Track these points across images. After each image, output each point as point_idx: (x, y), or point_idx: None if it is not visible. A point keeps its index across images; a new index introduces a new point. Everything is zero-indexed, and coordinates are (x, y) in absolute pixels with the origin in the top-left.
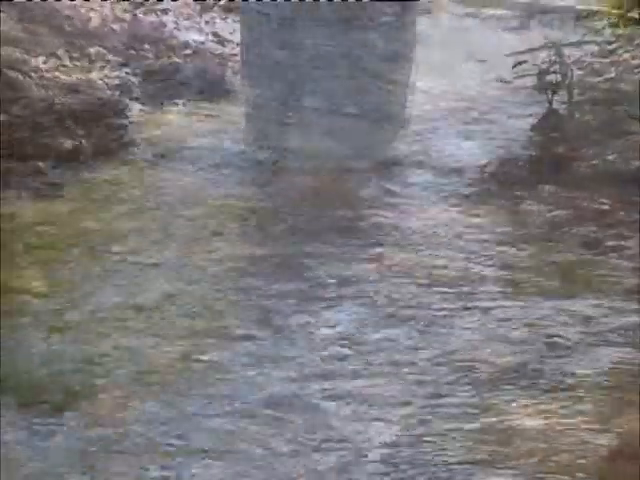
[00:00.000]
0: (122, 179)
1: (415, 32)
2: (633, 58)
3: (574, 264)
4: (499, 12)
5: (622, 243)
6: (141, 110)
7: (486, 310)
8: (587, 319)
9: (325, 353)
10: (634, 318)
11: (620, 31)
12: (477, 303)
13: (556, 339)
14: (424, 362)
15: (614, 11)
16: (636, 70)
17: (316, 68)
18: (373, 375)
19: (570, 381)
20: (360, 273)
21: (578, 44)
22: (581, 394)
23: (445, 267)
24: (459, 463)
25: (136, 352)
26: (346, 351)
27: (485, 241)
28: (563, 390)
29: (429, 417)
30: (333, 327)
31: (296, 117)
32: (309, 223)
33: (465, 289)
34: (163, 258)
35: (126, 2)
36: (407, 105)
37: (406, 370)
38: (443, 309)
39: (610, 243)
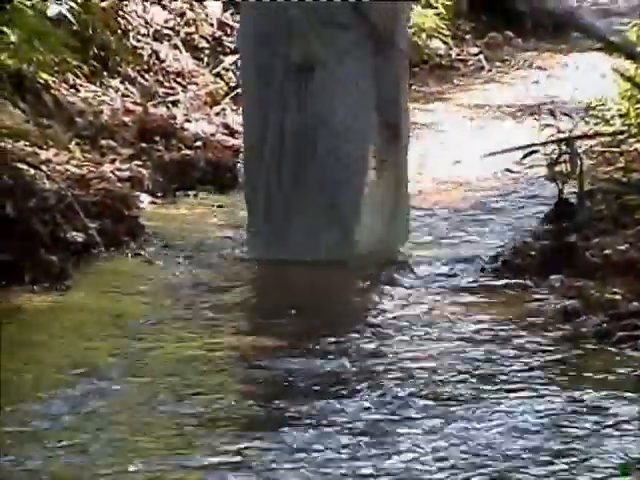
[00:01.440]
0: (132, 271)
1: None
2: None
3: (587, 355)
4: (509, 101)
5: (635, 333)
6: (152, 202)
7: (498, 401)
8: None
9: None
10: None
11: (630, 120)
12: (488, 395)
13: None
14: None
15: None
16: None
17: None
18: None
19: None
20: None
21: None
22: None
23: (458, 355)
24: None
25: None
26: None
27: (497, 330)
28: None
29: None
30: None
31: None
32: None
33: (476, 380)
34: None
35: (137, 95)
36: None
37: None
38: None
39: (622, 334)
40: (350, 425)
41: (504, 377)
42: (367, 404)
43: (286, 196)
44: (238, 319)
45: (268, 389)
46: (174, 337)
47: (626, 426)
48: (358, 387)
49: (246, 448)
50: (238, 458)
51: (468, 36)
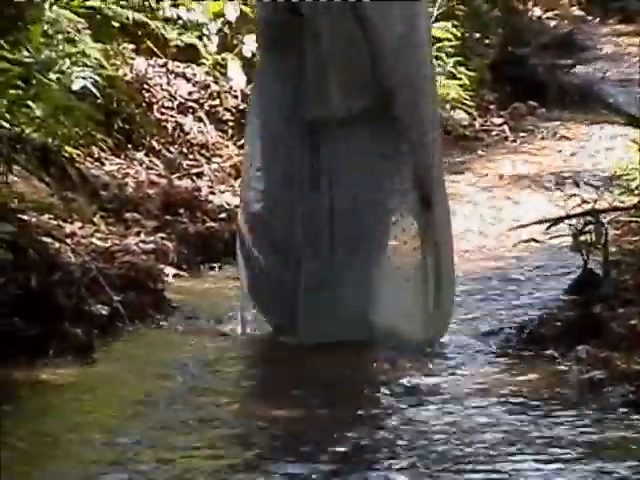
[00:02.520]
0: (157, 344)
1: None
2: None
3: (613, 425)
4: (534, 171)
5: None
6: (176, 274)
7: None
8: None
9: None
10: None
11: None
12: (508, 465)
13: None
14: None
15: None
16: None
17: None
18: None
19: None
20: None
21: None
22: None
23: (483, 428)
24: None
25: None
26: None
27: (523, 401)
28: None
29: None
30: None
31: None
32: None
33: (502, 452)
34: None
35: (161, 167)
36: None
37: None
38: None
39: None
40: None
41: (531, 447)
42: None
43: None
44: (264, 391)
45: None
46: (200, 415)
47: None
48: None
49: None
50: None
51: (492, 106)
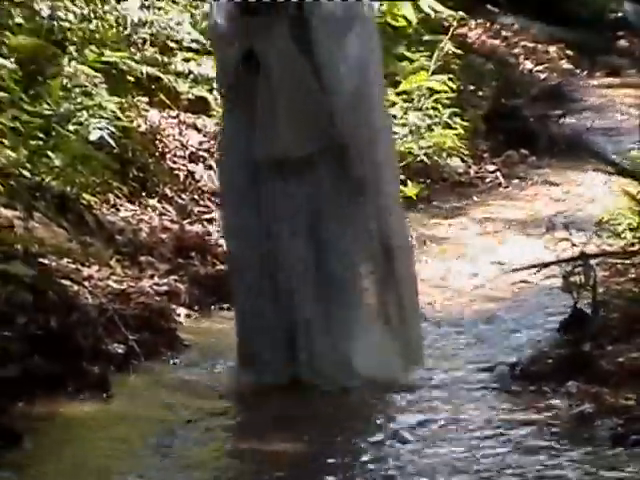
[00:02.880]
0: (170, 381)
1: None
2: None
3: (602, 457)
4: (525, 215)
5: None
6: (188, 315)
7: None
8: None
9: None
10: None
11: None
12: None
13: None
14: None
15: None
16: None
17: None
18: None
19: None
20: None
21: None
22: None
23: (475, 460)
24: None
25: None
26: None
27: (514, 434)
28: None
29: None
30: None
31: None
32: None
33: None
34: None
35: (174, 213)
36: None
37: None
38: None
39: (636, 437)
40: None
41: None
42: None
43: None
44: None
45: None
46: (214, 446)
47: None
48: None
49: None
50: None
51: (486, 155)
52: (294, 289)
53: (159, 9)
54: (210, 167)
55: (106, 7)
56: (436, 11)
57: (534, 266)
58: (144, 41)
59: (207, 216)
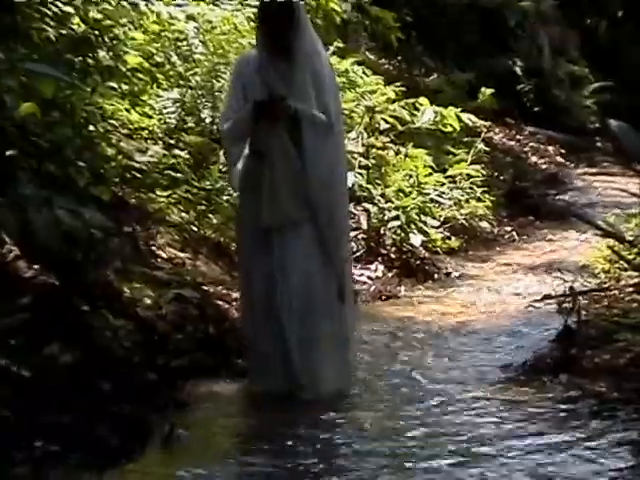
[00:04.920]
0: None
1: None
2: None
3: (582, 425)
4: (531, 261)
5: (616, 414)
6: None
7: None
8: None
9: None
10: None
11: (610, 275)
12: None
13: None
14: None
15: (605, 263)
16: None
17: None
18: None
19: None
20: None
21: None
22: None
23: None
24: None
25: None
26: None
27: (519, 409)
28: None
29: None
30: None
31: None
32: None
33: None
34: None
35: None
36: None
37: None
38: None
39: (607, 414)
40: None
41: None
42: None
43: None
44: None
45: None
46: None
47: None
48: None
49: None
50: None
51: (505, 219)
52: (284, 320)
53: None
54: None
55: None
56: (472, 121)
57: (545, 297)
58: None
59: None
